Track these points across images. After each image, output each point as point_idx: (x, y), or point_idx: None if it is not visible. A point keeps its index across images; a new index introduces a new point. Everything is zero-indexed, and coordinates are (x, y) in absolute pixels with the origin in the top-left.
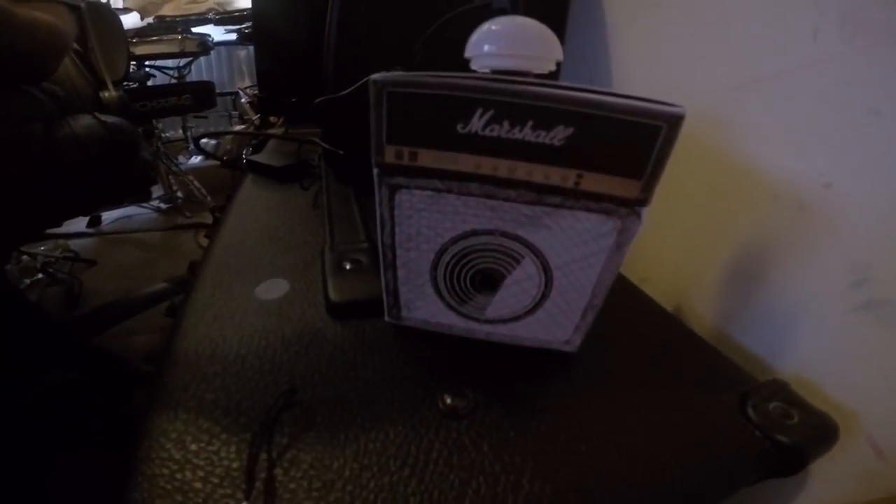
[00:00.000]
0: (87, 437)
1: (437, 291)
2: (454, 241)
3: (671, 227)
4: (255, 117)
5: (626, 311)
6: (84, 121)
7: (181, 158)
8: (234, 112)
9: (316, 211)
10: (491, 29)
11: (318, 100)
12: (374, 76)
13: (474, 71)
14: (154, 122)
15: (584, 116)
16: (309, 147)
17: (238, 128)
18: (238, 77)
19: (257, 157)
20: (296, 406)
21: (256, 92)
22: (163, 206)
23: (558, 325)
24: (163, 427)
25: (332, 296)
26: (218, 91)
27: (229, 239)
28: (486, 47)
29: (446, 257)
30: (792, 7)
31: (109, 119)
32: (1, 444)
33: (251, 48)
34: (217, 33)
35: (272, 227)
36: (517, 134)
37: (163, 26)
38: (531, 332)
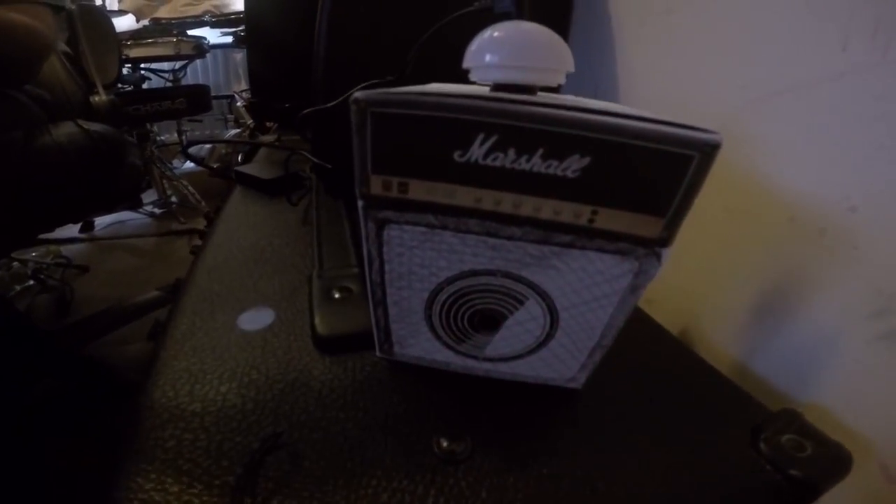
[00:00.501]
0: (78, 445)
1: (433, 330)
2: (450, 281)
3: (681, 247)
4: (250, 122)
5: (631, 336)
6: (65, 128)
7: (175, 162)
8: (229, 116)
9: (305, 227)
10: (493, 36)
11: (305, 111)
12: (357, 94)
13: (474, 83)
14: (148, 125)
15: (604, 144)
16: (300, 157)
17: (231, 132)
18: (234, 80)
19: (246, 169)
20: (281, 448)
21: (250, 90)
22: (156, 211)
23: (563, 364)
24: (141, 467)
25: (320, 329)
26: (213, 94)
27: (213, 260)
28: (487, 57)
29: (442, 296)
30: (820, 14)
31: (93, 126)
32: None
33: (246, 47)
34: (213, 36)
35: (259, 248)
36: (524, 164)
37: (158, 29)
38: (534, 370)
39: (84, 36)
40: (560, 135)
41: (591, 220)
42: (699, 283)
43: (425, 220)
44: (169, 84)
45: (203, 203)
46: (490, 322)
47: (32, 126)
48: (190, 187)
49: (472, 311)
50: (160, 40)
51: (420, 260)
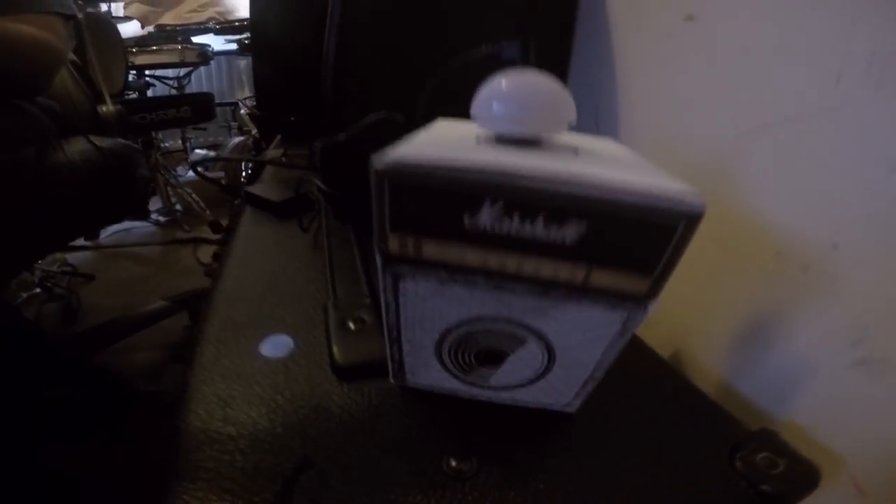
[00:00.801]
0: (86, 451)
1: (442, 363)
2: (459, 325)
3: (674, 276)
4: (254, 130)
5: (623, 360)
6: (78, 145)
7: (179, 170)
8: (233, 123)
9: (316, 252)
10: (499, 88)
11: (316, 144)
12: (376, 163)
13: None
14: (153, 133)
15: (600, 212)
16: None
17: (235, 140)
18: (237, 87)
19: (256, 190)
20: (311, 468)
21: (255, 104)
22: (161, 219)
23: (559, 392)
24: (187, 486)
25: (339, 358)
26: (217, 101)
27: (231, 287)
28: (493, 108)
29: (451, 337)
30: (816, 46)
31: (104, 143)
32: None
33: (251, 58)
34: (217, 43)
35: (273, 274)
36: (527, 230)
37: (163, 36)
38: (533, 397)
39: (92, 45)
40: (561, 201)
41: (585, 279)
42: (690, 309)
43: (437, 274)
44: (174, 91)
45: (207, 212)
46: (493, 358)
47: (45, 140)
48: (194, 195)
49: (477, 349)
50: (165, 48)
51: (432, 308)
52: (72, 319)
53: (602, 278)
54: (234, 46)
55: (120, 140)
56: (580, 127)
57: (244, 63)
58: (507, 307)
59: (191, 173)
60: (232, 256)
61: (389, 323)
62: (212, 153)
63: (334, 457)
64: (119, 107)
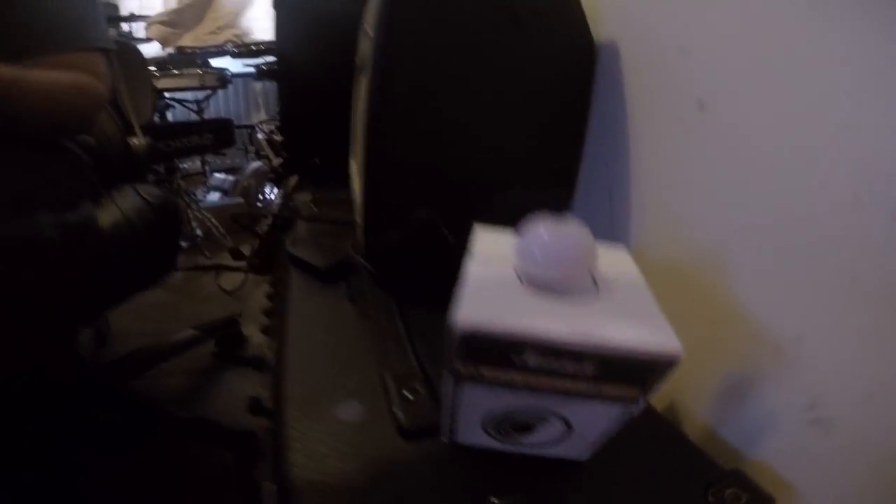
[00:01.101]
0: (118, 469)
1: (485, 430)
2: (502, 411)
3: None
4: (272, 157)
5: None
6: (128, 199)
7: (198, 193)
8: (250, 147)
9: (366, 322)
10: (542, 240)
11: (380, 248)
12: (452, 322)
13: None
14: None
15: (608, 358)
16: (343, 229)
17: (253, 165)
18: (254, 109)
19: (299, 252)
20: None
21: (273, 129)
22: (182, 244)
23: (574, 448)
24: None
25: (403, 423)
26: (234, 124)
27: (298, 357)
28: (536, 256)
29: (494, 416)
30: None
31: (152, 195)
32: (36, 482)
33: (279, 99)
34: (234, 65)
35: (330, 345)
36: (557, 365)
37: (183, 59)
38: (554, 451)
39: (122, 76)
40: (579, 355)
41: (598, 391)
42: (684, 371)
43: (491, 386)
44: (193, 112)
45: (227, 238)
46: (525, 428)
47: (95, 191)
48: (213, 220)
49: (513, 423)
50: (186, 71)
51: (483, 401)
52: (102, 343)
53: (609, 390)
54: (250, 69)
55: (161, 191)
56: (595, 204)
57: (260, 86)
58: (539, 403)
59: (210, 197)
60: (291, 326)
61: (447, 404)
62: (231, 177)
63: (402, 497)
64: (149, 139)
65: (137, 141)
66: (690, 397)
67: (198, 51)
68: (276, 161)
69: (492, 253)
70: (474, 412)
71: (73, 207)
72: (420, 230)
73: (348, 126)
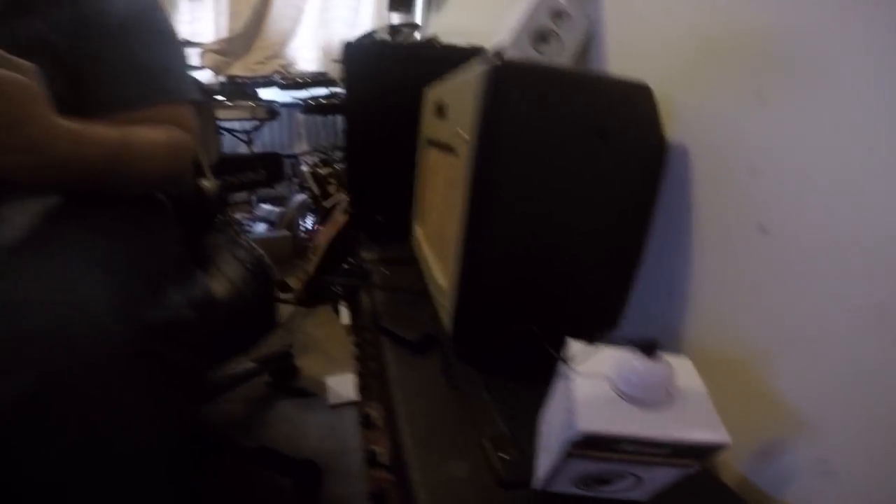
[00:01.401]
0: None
1: (572, 482)
2: (594, 472)
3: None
4: (316, 190)
5: None
6: (232, 267)
7: (245, 223)
8: (294, 178)
9: (454, 391)
10: (638, 371)
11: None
12: (575, 427)
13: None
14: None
15: (678, 448)
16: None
17: (298, 198)
18: (296, 139)
19: (391, 326)
20: None
21: (317, 162)
22: None
23: (640, 494)
24: None
25: (504, 476)
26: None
27: (406, 421)
28: (632, 381)
29: (586, 476)
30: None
31: (247, 259)
32: None
33: (346, 156)
34: (279, 95)
35: (431, 411)
36: (642, 449)
37: (234, 89)
38: (626, 496)
39: None
40: (659, 447)
41: (668, 462)
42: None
43: (592, 461)
44: (243, 143)
45: (274, 269)
46: (605, 481)
47: (203, 257)
48: (259, 249)
49: (597, 479)
50: (239, 103)
51: (581, 468)
52: None
53: (676, 461)
54: (294, 100)
55: (254, 249)
56: (657, 304)
57: (303, 116)
58: (623, 468)
59: (257, 229)
60: (393, 391)
61: (547, 467)
62: (277, 209)
63: None
64: (218, 181)
65: (209, 183)
66: (732, 457)
67: (248, 80)
68: (319, 192)
69: (590, 368)
70: (571, 474)
71: (192, 279)
72: (519, 339)
73: (409, 189)
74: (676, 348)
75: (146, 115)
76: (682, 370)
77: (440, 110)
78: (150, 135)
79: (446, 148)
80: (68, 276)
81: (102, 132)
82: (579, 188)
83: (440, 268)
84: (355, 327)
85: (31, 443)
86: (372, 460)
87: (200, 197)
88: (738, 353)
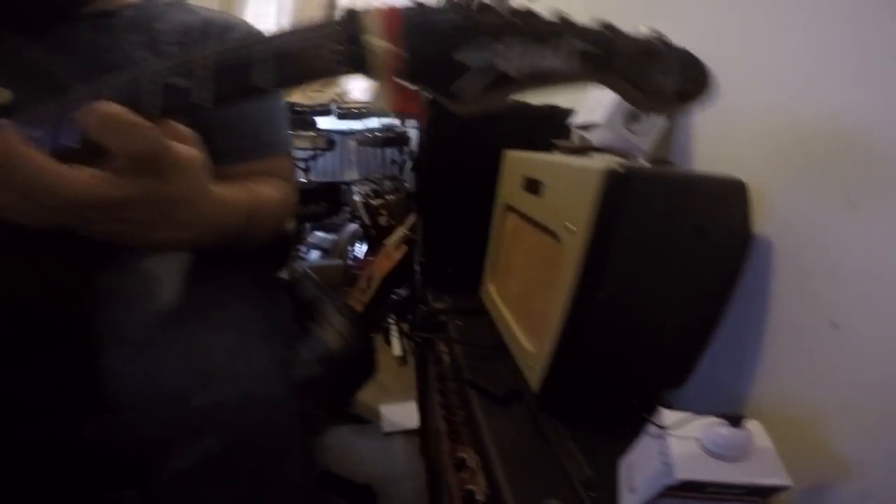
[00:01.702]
0: None
1: None
2: None
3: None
4: (367, 220)
5: None
6: (337, 319)
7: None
8: (345, 207)
9: (539, 437)
10: (723, 437)
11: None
12: (675, 474)
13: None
14: None
15: (750, 489)
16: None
17: (350, 227)
18: (346, 166)
19: (476, 379)
20: None
21: (369, 192)
22: None
23: None
24: None
25: None
26: (331, 180)
27: (501, 466)
28: (715, 442)
29: None
30: None
31: (342, 307)
32: None
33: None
34: (334, 123)
35: (521, 458)
36: (724, 491)
37: (297, 120)
38: None
39: None
40: (737, 487)
41: (741, 500)
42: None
43: (681, 499)
44: (301, 170)
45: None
46: None
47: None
48: (314, 276)
49: None
50: (301, 133)
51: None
52: None
53: (747, 499)
54: (346, 128)
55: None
56: (724, 371)
57: (354, 145)
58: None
59: (312, 256)
60: (485, 439)
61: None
62: (330, 236)
63: None
64: (296, 223)
65: (289, 224)
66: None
67: (307, 108)
68: (370, 222)
69: (678, 428)
70: None
71: (308, 333)
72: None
73: (478, 242)
74: (740, 408)
75: (253, 167)
76: (755, 430)
77: (532, 186)
78: (269, 193)
79: (541, 227)
80: (244, 347)
81: (237, 194)
82: (674, 276)
83: (524, 333)
84: (440, 378)
85: (223, 497)
86: (469, 498)
87: (282, 238)
88: (796, 414)
